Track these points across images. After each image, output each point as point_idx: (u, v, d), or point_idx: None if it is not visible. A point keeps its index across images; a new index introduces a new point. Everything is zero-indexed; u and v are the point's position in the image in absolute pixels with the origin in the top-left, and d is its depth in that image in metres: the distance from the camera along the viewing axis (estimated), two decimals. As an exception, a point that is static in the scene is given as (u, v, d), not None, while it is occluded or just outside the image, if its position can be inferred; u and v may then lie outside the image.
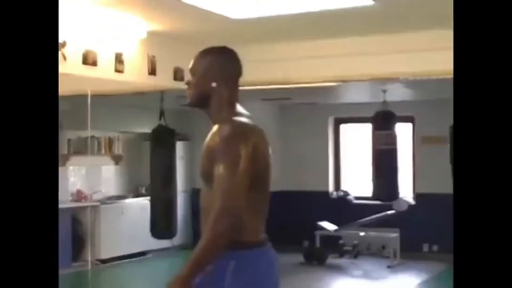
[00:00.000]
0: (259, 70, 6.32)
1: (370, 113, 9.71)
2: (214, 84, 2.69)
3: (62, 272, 8.89)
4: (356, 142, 11.54)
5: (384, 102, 9.29)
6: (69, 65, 4.62)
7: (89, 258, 9.24)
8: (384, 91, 8.87)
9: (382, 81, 7.56)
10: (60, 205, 9.26)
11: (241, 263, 2.58)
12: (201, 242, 2.49)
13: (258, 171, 2.63)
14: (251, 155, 2.57)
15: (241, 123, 2.66)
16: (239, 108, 2.75)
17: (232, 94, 2.74)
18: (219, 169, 2.51)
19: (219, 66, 2.74)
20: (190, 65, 2.78)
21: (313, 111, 11.37)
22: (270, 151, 2.78)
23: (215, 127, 2.66)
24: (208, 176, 2.59)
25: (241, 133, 2.61)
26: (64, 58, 4.53)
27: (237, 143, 2.55)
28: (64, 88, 6.16)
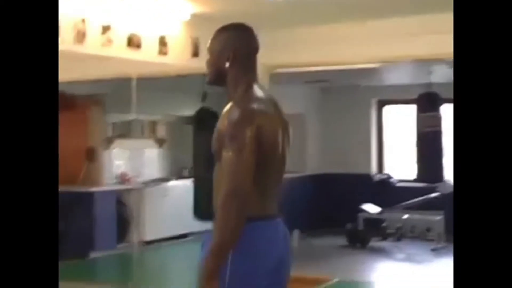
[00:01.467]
0: (301, 52, 6.30)
1: (414, 95, 9.60)
2: (227, 63, 2.69)
3: (108, 253, 9.04)
4: (400, 124, 11.44)
5: (429, 84, 9.17)
6: (113, 49, 4.66)
7: (134, 240, 9.35)
8: (429, 73, 8.75)
9: (427, 62, 7.46)
10: (105, 188, 9.42)
11: (244, 234, 2.56)
12: (215, 233, 2.54)
13: (265, 153, 2.62)
14: (257, 138, 2.57)
15: (248, 105, 2.65)
16: (255, 87, 2.73)
17: (248, 72, 2.74)
18: (226, 153, 2.55)
19: (233, 43, 2.73)
20: (208, 44, 2.79)
21: (355, 94, 11.29)
22: (281, 132, 2.77)
23: (226, 107, 2.67)
24: (217, 157, 2.63)
25: (247, 116, 2.60)
26: (109, 41, 4.56)
27: (242, 126, 2.56)
28: (108, 71, 6.23)
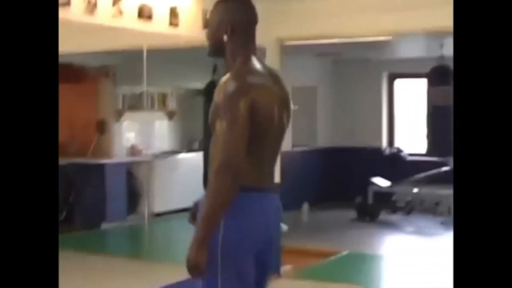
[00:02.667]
0: (313, 24, 6.26)
1: (426, 69, 9.54)
2: (225, 36, 2.71)
3: (118, 224, 9.10)
4: (411, 98, 11.39)
5: (441, 57, 9.10)
6: (124, 20, 4.64)
7: (144, 212, 9.40)
8: (441, 45, 8.68)
9: (439, 35, 7.40)
10: (116, 160, 9.46)
11: (237, 203, 2.59)
12: (206, 202, 2.58)
13: (260, 126, 2.64)
14: (251, 111, 2.58)
15: (244, 78, 2.66)
16: (254, 59, 2.73)
17: (246, 44, 2.74)
18: (220, 125, 2.58)
19: (232, 16, 2.74)
20: (210, 14, 2.82)
21: (366, 67, 11.23)
22: (279, 105, 2.75)
23: (222, 79, 2.68)
24: (213, 129, 2.65)
25: (242, 88, 2.61)
26: (120, 12, 4.54)
27: (237, 98, 2.58)
28: (119, 42, 6.21)
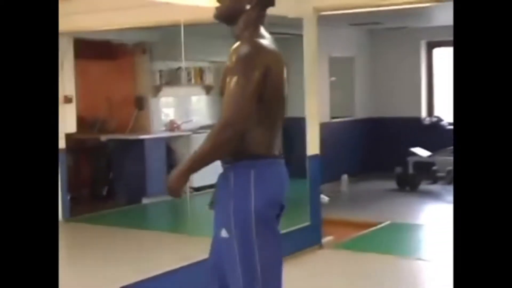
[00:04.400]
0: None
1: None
2: (248, 5, 2.82)
3: (159, 199, 9.18)
4: (450, 66, 11.21)
5: (480, 23, 8.93)
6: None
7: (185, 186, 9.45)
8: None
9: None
10: (155, 135, 9.52)
11: (259, 171, 2.76)
12: (203, 146, 2.70)
13: (269, 92, 2.74)
14: (263, 76, 2.68)
15: (259, 44, 2.77)
16: (263, 30, 2.86)
17: (260, 17, 2.87)
18: (229, 83, 2.68)
19: None
20: None
21: (404, 35, 11.08)
22: (285, 74, 2.88)
23: (234, 46, 2.78)
24: (223, 93, 2.77)
25: (256, 53, 2.72)
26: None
27: (251, 62, 2.69)
28: (155, 18, 6.22)
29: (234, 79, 2.66)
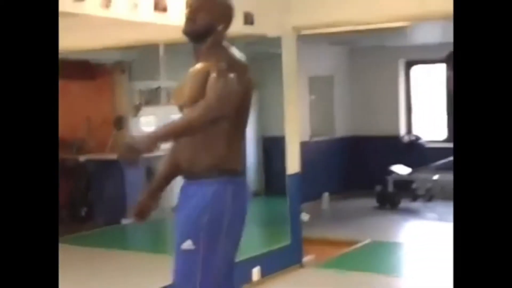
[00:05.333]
0: (327, 13, 6.21)
1: (442, 54, 9.44)
2: (221, 27, 2.97)
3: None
4: (428, 84, 11.30)
5: (458, 42, 9.01)
6: (139, 13, 4.62)
7: (164, 206, 9.39)
8: (458, 30, 8.59)
9: (456, 20, 7.31)
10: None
11: (237, 189, 2.89)
12: (179, 120, 2.82)
13: (242, 110, 2.92)
14: (240, 88, 2.82)
15: (236, 62, 2.92)
16: (230, 47, 3.00)
17: (224, 36, 3.02)
18: (212, 86, 2.76)
19: (230, 13, 3.04)
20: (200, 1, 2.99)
21: (383, 54, 11.15)
22: (250, 91, 3.02)
23: (203, 63, 2.89)
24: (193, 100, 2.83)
25: (236, 69, 2.85)
26: (135, 5, 4.53)
27: (231, 74, 2.80)
28: (134, 37, 6.20)
29: (214, 80, 2.77)
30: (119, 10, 4.43)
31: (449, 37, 10.00)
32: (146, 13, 4.68)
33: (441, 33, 9.35)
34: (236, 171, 2.91)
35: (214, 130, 2.83)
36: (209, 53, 2.92)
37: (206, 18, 2.95)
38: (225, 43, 3.00)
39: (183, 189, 3.02)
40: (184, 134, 2.83)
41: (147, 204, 3.02)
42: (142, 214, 3.03)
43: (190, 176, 2.95)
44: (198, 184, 2.89)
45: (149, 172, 9.72)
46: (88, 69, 9.09)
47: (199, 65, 2.92)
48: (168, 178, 3.17)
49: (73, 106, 9.14)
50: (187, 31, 2.99)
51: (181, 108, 2.98)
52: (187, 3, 3.02)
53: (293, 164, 6.48)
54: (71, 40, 6.23)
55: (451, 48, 9.92)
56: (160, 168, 3.18)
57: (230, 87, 2.78)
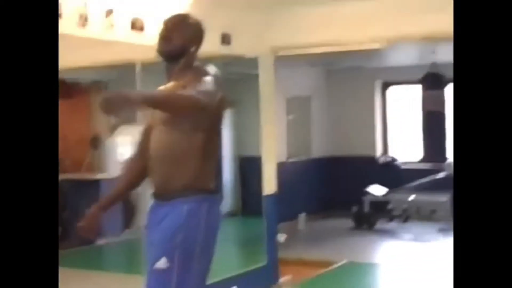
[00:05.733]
0: (304, 34, 6.25)
1: (419, 76, 9.55)
2: (193, 48, 3.01)
3: (114, 240, 9.03)
4: (404, 106, 11.39)
5: (434, 64, 9.10)
6: (116, 33, 4.62)
7: (140, 226, 9.34)
8: (434, 52, 8.69)
9: (432, 41, 7.40)
10: (110, 175, 9.39)
11: (211, 207, 2.90)
12: (174, 94, 2.84)
13: (218, 128, 3.00)
14: (216, 106, 2.89)
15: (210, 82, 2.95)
16: (205, 67, 3.05)
17: (195, 57, 3.06)
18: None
19: (201, 35, 3.08)
20: (174, 19, 3.05)
21: (359, 75, 11.23)
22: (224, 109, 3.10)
23: (175, 82, 2.93)
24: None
25: (215, 84, 2.92)
26: (112, 25, 4.53)
27: (213, 89, 2.88)
28: (111, 56, 6.18)
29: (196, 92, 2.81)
30: (96, 29, 4.43)
31: (425, 59, 10.19)
32: (122, 33, 4.68)
33: (417, 55, 9.45)
34: (211, 190, 2.91)
35: (187, 147, 2.84)
36: (181, 74, 2.95)
37: (180, 38, 2.97)
38: (196, 64, 3.03)
39: (153, 209, 2.99)
40: (169, 104, 2.79)
41: (95, 219, 3.06)
42: (89, 229, 3.08)
43: (163, 196, 2.93)
44: (171, 204, 2.87)
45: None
46: (65, 88, 9.02)
47: (172, 84, 2.96)
48: (124, 195, 3.25)
49: (49, 125, 9.09)
50: (161, 51, 3.01)
51: (155, 125, 2.98)
52: (165, 21, 3.05)
53: (269, 184, 6.48)
54: (47, 59, 6.18)
55: (426, 70, 10.11)
56: (117, 183, 3.22)
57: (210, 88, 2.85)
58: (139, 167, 3.10)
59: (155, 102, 2.77)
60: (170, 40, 2.98)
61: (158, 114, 2.90)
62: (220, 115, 3.00)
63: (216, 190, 2.96)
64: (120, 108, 2.66)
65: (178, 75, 2.97)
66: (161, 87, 3.02)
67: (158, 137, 2.94)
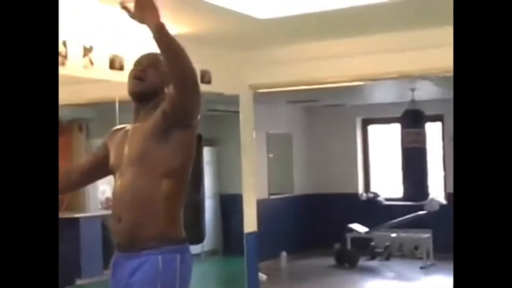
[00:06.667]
0: (286, 71, 6.28)
1: (399, 113, 9.61)
2: (166, 88, 2.82)
3: (94, 279, 8.91)
4: (385, 143, 11.45)
5: (413, 101, 9.18)
6: (95, 71, 4.61)
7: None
8: (413, 90, 8.77)
9: (410, 79, 7.47)
10: (91, 213, 9.30)
11: (184, 256, 2.73)
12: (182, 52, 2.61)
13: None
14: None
15: None
16: None
17: (165, 98, 2.83)
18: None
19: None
20: (148, 58, 2.89)
21: (340, 113, 11.29)
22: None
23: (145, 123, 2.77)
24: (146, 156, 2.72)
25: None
26: (91, 63, 4.52)
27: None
28: (91, 95, 6.17)
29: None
30: (75, 68, 4.42)
31: (404, 97, 10.29)
32: (102, 71, 4.68)
33: (397, 93, 9.53)
34: (183, 239, 2.76)
35: (159, 193, 2.70)
36: (150, 114, 2.77)
37: (154, 78, 2.82)
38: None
39: (119, 262, 2.83)
40: (178, 52, 2.59)
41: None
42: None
43: (131, 247, 2.74)
44: (143, 256, 2.69)
45: (106, 231, 9.58)
46: (45, 126, 8.99)
47: (138, 125, 2.82)
48: (74, 182, 3.13)
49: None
50: (133, 91, 2.84)
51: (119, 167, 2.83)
52: (138, 61, 2.91)
53: (250, 222, 6.43)
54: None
55: (405, 107, 10.18)
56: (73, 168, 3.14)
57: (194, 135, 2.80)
58: (82, 172, 3.08)
59: (170, 37, 2.58)
60: (143, 80, 2.82)
61: (132, 150, 2.76)
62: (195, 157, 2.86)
63: (186, 239, 2.78)
64: (142, 7, 2.58)
65: (146, 115, 2.79)
66: (128, 127, 2.89)
67: (126, 180, 2.76)
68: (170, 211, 2.73)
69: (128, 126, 2.92)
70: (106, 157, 2.96)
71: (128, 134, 2.85)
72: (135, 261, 2.70)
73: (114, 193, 2.91)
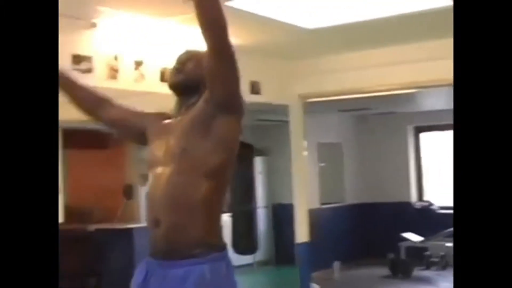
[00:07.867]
0: (335, 80, 6.26)
1: (451, 120, 9.47)
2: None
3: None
4: (438, 150, 11.29)
5: (466, 108, 9.04)
6: (146, 84, 4.67)
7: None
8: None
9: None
10: (144, 224, 9.40)
11: (228, 264, 2.51)
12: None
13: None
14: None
15: None
16: None
17: None
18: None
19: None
20: (188, 53, 2.78)
21: (391, 121, 11.19)
22: None
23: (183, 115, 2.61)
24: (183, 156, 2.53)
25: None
26: (142, 77, 4.58)
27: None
28: (142, 106, 6.25)
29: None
30: (126, 82, 4.49)
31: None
32: (153, 84, 4.74)
33: (449, 99, 9.39)
34: (224, 246, 2.55)
35: (203, 195, 2.48)
36: (191, 109, 2.61)
37: (195, 69, 2.68)
38: None
39: (155, 272, 2.58)
40: (216, 10, 2.50)
41: None
42: None
43: (170, 255, 2.51)
44: (185, 266, 2.46)
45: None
46: (99, 138, 9.15)
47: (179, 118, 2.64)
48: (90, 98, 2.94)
49: (83, 175, 9.16)
50: (174, 82, 2.70)
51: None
52: (178, 57, 2.80)
53: (302, 232, 6.41)
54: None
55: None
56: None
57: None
58: (98, 102, 2.95)
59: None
60: (183, 71, 2.70)
61: (172, 146, 2.59)
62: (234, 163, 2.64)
63: (226, 245, 2.56)
64: None
65: (187, 110, 2.62)
66: (167, 121, 2.73)
67: (165, 179, 2.56)
68: (212, 215, 2.53)
69: (168, 120, 2.73)
70: (134, 125, 2.89)
71: (168, 128, 2.65)
72: (179, 271, 2.47)
73: (151, 194, 2.65)
